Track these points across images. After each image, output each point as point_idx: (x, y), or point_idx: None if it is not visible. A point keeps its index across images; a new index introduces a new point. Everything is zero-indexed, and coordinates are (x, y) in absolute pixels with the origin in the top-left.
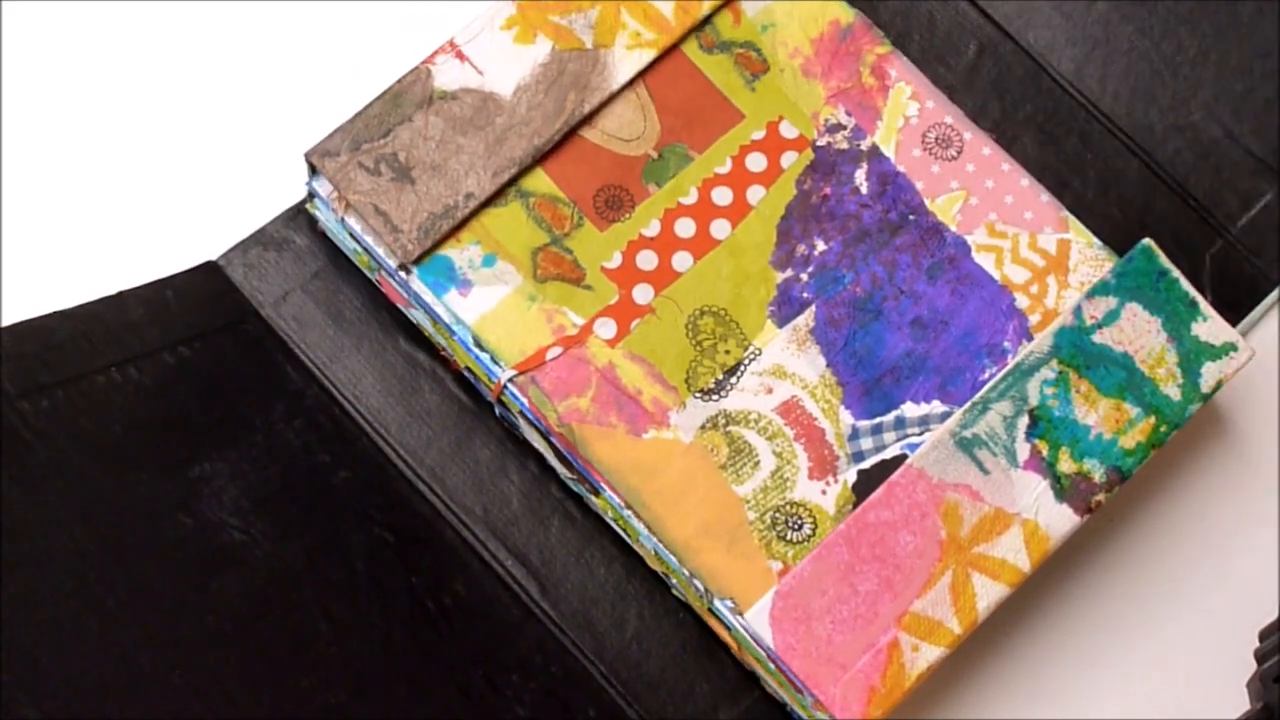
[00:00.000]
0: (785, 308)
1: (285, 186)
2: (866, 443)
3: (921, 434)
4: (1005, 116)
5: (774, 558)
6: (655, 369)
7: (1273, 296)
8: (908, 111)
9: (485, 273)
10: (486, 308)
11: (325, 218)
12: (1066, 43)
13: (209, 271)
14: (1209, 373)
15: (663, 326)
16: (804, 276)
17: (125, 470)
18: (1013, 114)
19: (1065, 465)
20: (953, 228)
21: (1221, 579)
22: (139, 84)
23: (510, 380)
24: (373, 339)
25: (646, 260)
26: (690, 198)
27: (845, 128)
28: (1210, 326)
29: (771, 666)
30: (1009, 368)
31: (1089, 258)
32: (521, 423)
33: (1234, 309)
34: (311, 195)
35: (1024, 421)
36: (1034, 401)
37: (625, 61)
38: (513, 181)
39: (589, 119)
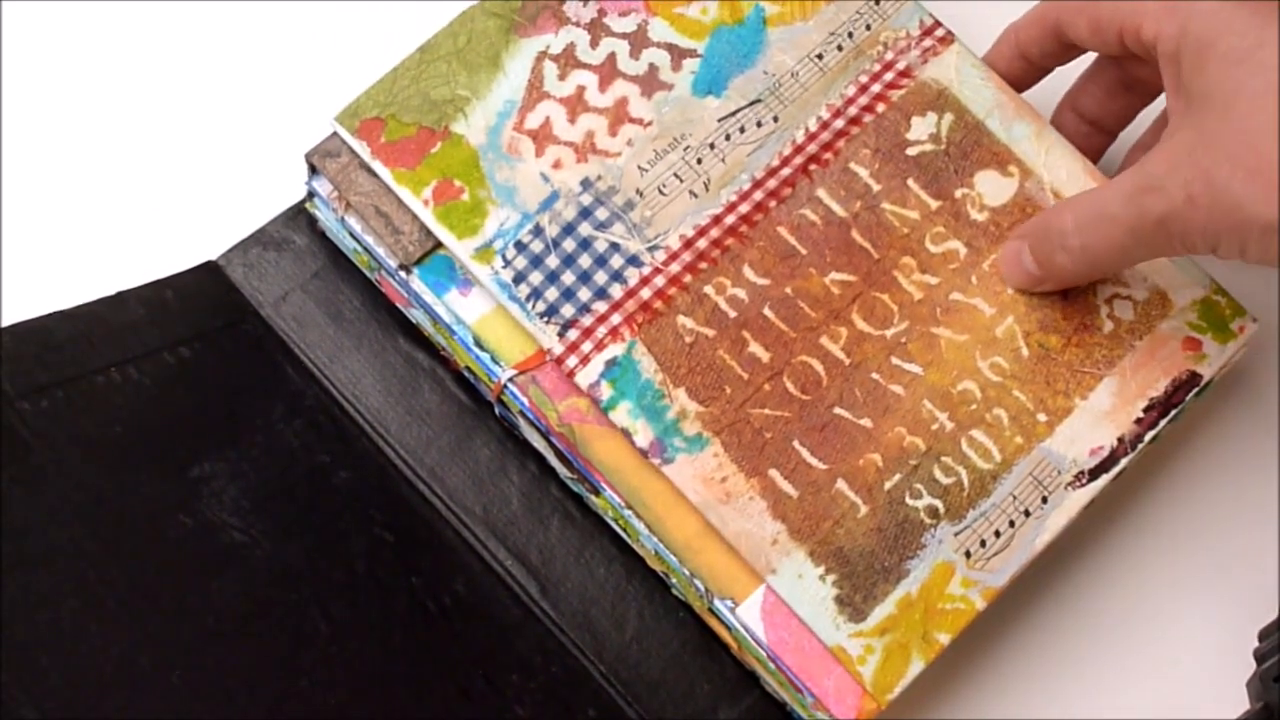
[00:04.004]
0: None
1: (285, 186)
2: None
3: None
4: None
5: None
6: None
7: None
8: None
9: None
10: (487, 307)
11: (325, 218)
12: None
13: (209, 271)
14: None
15: None
16: None
17: (125, 470)
18: None
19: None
20: None
21: (1221, 579)
22: (139, 84)
23: (510, 380)
24: (373, 339)
25: None
26: None
27: None
28: None
29: (771, 666)
30: None
31: None
32: (521, 422)
33: None
34: (311, 195)
35: None
36: None
37: None
38: None
39: None
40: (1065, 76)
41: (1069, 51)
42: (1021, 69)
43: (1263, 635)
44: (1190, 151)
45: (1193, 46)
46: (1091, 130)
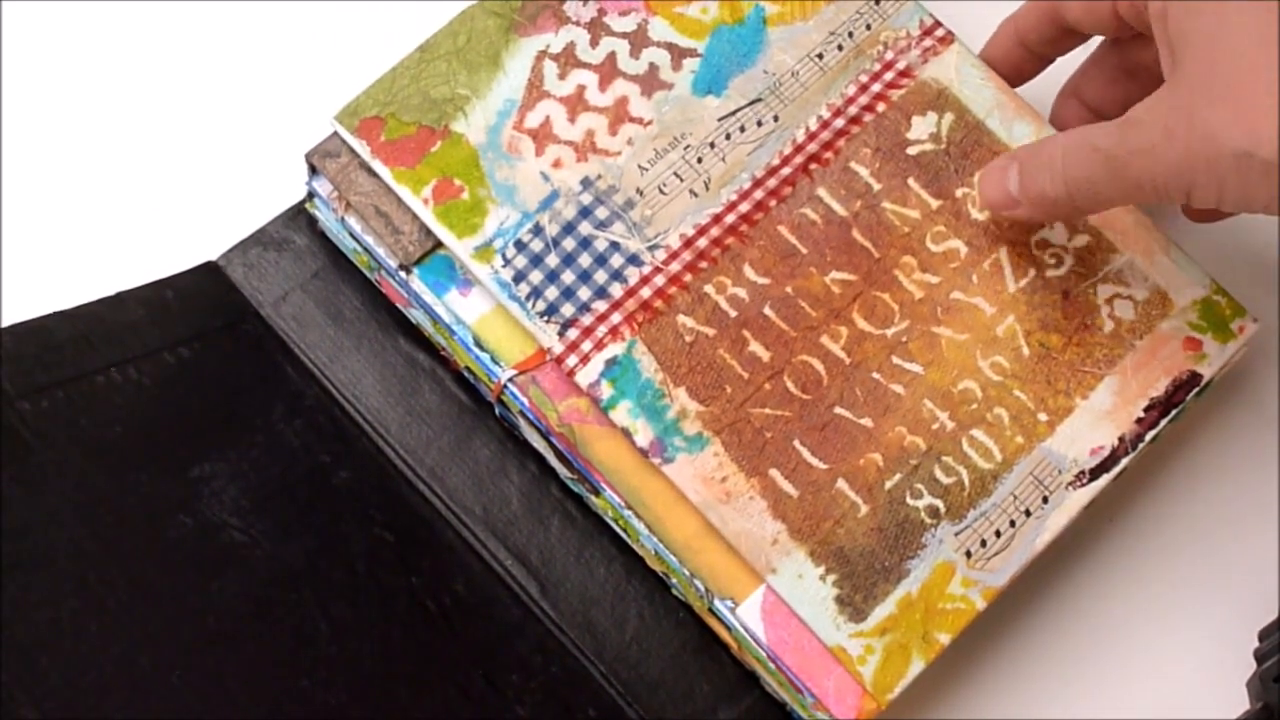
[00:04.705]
0: None
1: (285, 186)
2: None
3: None
4: None
5: None
6: None
7: None
8: None
9: None
10: (487, 307)
11: (325, 218)
12: None
13: (209, 271)
14: None
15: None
16: None
17: (125, 470)
18: None
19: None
20: None
21: (1221, 579)
22: (139, 84)
23: (510, 380)
24: (373, 339)
25: None
26: None
27: None
28: None
29: (771, 666)
30: None
31: None
32: (521, 423)
33: None
34: (311, 195)
35: None
36: None
37: None
38: None
39: None
40: (1064, 74)
41: (1067, 38)
42: (1021, 57)
43: (1263, 635)
44: (1172, 91)
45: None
46: (1094, 118)
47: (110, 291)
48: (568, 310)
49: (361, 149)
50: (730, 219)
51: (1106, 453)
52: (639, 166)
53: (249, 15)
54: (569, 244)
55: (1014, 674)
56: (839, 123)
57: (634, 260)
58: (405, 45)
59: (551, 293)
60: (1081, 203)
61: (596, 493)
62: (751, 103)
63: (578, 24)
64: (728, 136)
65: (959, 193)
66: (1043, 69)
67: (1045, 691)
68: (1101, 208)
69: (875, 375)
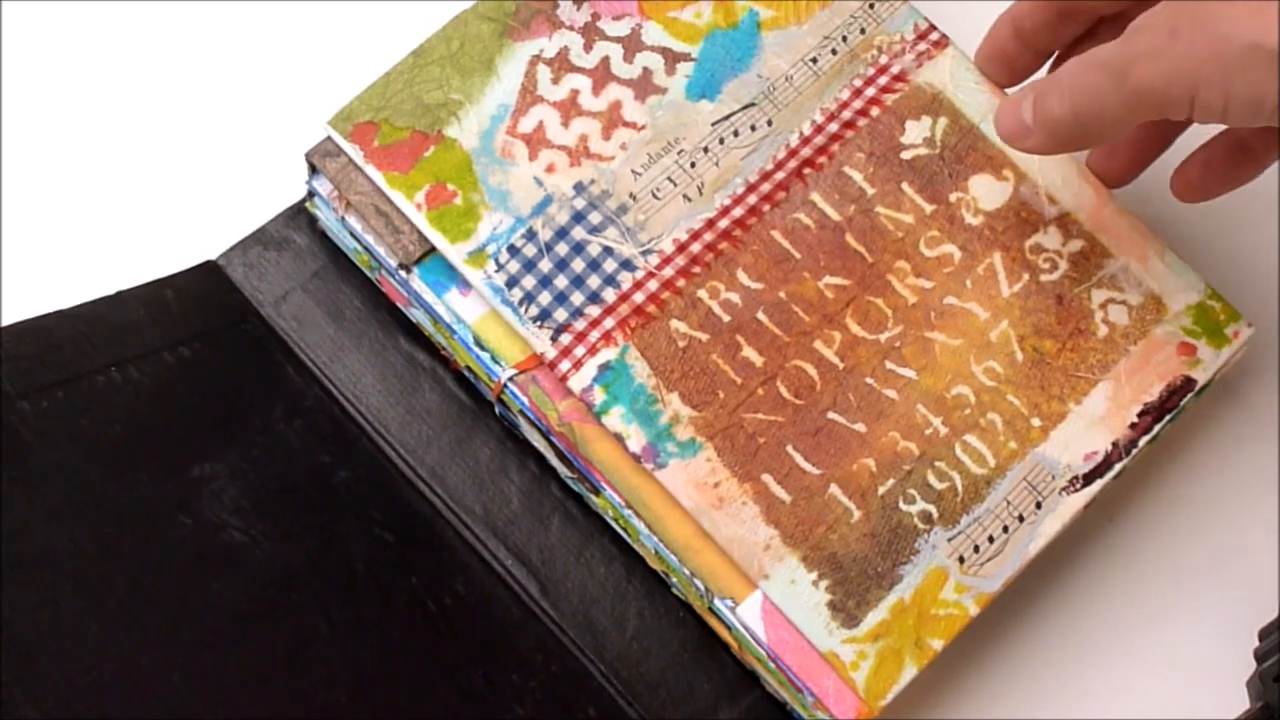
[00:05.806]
0: None
1: (285, 186)
2: None
3: None
4: None
5: None
6: None
7: None
8: None
9: None
10: (486, 307)
11: (325, 217)
12: None
13: (209, 271)
14: None
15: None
16: None
17: (125, 470)
18: None
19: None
20: None
21: (1221, 579)
22: (139, 84)
23: (511, 379)
24: (373, 339)
25: None
26: None
27: None
28: None
29: (772, 666)
30: None
31: None
32: (522, 422)
33: None
34: (312, 194)
35: None
36: None
37: None
38: None
39: None
40: None
41: (1064, 24)
42: (1017, 51)
43: (1263, 635)
44: None
45: None
46: None
47: (110, 291)
48: (560, 315)
49: (355, 154)
50: (724, 224)
51: (1100, 458)
52: (632, 171)
53: (249, 16)
54: (562, 249)
55: (1014, 673)
56: (833, 127)
57: (627, 265)
58: (405, 44)
59: (544, 298)
60: (1088, 123)
61: (597, 492)
62: (745, 107)
63: (571, 28)
64: (721, 141)
65: (953, 197)
66: (1039, 65)
67: (1045, 693)
68: (1108, 130)
69: (868, 380)
